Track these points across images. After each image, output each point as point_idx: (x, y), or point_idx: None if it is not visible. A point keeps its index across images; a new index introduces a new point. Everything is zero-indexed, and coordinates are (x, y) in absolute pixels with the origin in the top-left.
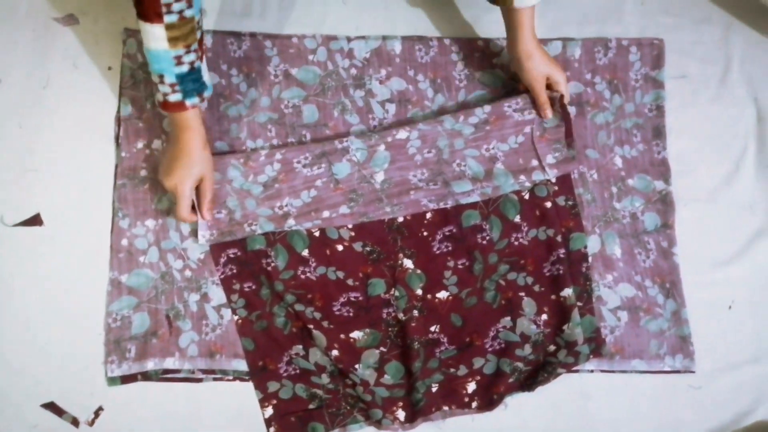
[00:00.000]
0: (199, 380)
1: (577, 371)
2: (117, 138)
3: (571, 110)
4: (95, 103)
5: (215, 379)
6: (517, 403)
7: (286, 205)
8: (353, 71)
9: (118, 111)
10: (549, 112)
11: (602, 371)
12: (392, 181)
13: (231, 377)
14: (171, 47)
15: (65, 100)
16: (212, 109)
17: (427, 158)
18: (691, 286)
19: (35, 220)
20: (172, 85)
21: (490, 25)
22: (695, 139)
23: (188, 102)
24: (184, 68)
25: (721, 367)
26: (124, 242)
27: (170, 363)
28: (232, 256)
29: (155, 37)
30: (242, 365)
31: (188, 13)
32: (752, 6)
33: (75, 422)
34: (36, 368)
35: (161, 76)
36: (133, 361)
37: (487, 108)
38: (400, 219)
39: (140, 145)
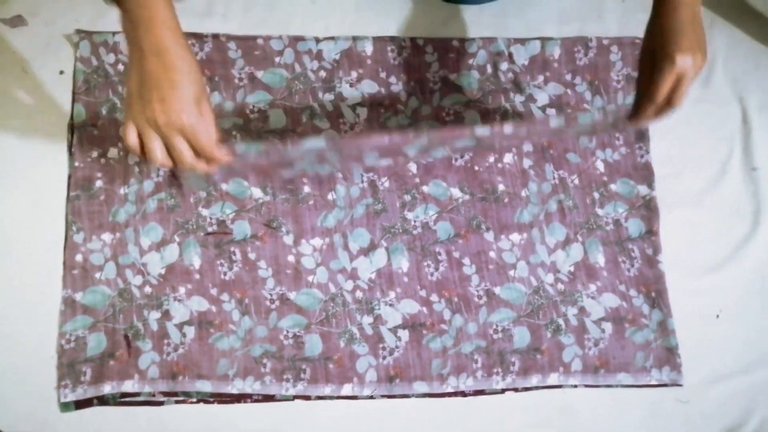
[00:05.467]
0: (160, 404)
1: (560, 386)
2: (70, 147)
3: (551, 113)
4: (46, 109)
5: (177, 402)
6: (499, 417)
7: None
8: (322, 74)
9: (72, 118)
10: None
11: (587, 386)
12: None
13: (194, 399)
14: None
15: (14, 107)
16: None
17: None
18: (677, 295)
19: None
20: None
21: (465, 25)
22: (679, 142)
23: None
24: None
25: (709, 378)
26: (79, 258)
27: (129, 386)
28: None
29: None
30: (206, 386)
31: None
32: (734, 3)
33: None
34: None
35: None
36: (89, 385)
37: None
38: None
39: (95, 154)
